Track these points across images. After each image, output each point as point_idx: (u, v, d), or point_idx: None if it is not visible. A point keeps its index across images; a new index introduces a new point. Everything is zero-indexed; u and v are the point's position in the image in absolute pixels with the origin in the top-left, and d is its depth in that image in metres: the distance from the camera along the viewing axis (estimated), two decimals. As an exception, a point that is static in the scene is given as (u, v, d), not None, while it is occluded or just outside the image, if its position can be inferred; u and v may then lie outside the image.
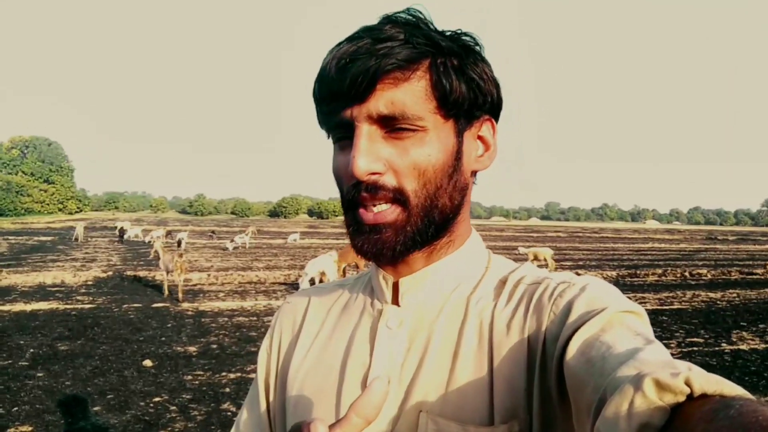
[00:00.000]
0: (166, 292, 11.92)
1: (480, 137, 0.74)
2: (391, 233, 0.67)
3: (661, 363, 0.47)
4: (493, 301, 0.71)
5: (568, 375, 0.56)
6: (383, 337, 0.72)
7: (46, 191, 79.88)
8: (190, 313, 10.07)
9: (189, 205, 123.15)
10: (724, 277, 17.69)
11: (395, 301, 0.74)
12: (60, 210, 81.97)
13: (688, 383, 0.41)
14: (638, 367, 0.47)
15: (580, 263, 20.81)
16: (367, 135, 0.65)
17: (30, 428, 4.75)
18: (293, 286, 13.47)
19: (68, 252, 21.11)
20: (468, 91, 0.68)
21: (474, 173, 0.75)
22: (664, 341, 8.17)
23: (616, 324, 0.58)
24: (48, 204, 79.38)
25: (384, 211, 0.67)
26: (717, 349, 7.92)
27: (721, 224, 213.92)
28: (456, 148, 0.69)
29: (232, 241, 24.44)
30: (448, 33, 0.69)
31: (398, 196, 0.66)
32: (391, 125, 0.66)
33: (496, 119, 0.75)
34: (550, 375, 0.61)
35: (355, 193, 0.67)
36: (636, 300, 12.07)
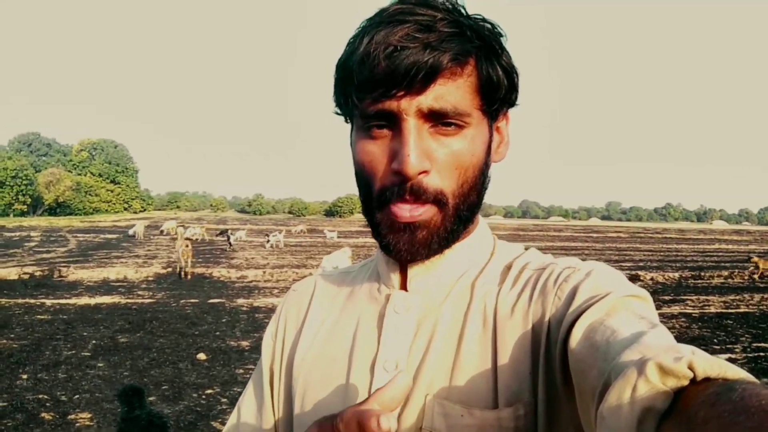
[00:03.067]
0: (183, 274, 14.33)
1: (497, 128, 0.72)
2: (426, 233, 0.65)
3: (664, 347, 0.46)
4: (498, 286, 0.70)
5: (572, 359, 0.56)
6: (391, 322, 0.71)
7: (112, 191, 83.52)
8: (245, 309, 10.29)
9: (248, 204, 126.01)
10: (797, 280, 16.77)
11: (403, 286, 0.74)
12: (125, 209, 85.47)
13: (691, 367, 0.41)
14: (642, 351, 0.47)
15: (641, 264, 20.16)
16: (417, 131, 0.63)
17: (89, 415, 4.95)
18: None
19: (131, 249, 21.92)
20: (508, 85, 0.67)
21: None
22: (729, 346, 7.84)
23: (620, 308, 0.58)
24: (114, 203, 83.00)
25: (421, 210, 0.65)
26: (786, 354, 7.50)
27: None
28: (489, 143, 0.69)
29: (267, 241, 24.58)
30: (478, 18, 0.66)
31: (439, 198, 0.65)
32: (440, 121, 0.63)
33: (509, 110, 0.73)
34: (554, 359, 0.61)
35: (397, 191, 0.64)
36: (700, 303, 11.66)
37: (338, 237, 31.95)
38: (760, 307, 11.36)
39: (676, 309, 10.89)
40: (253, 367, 6.50)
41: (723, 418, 0.36)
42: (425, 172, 0.63)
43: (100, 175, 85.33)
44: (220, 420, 4.93)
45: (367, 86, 0.63)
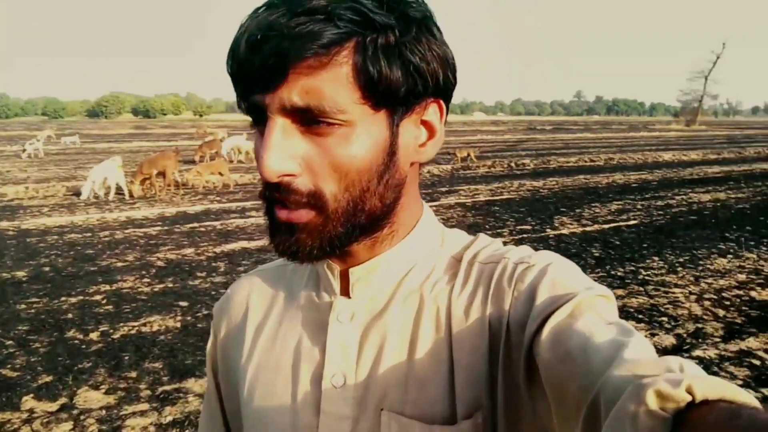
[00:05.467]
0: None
1: (424, 122, 0.64)
2: (306, 236, 0.60)
3: (653, 364, 0.46)
4: (449, 284, 0.68)
5: (544, 368, 0.55)
6: (335, 333, 0.67)
7: None
8: (11, 233, 9.10)
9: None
10: (544, 166, 19.43)
11: (345, 292, 0.69)
12: None
13: (689, 391, 0.40)
14: (632, 370, 0.46)
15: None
16: (280, 129, 0.57)
17: None
18: (118, 197, 12.62)
19: None
20: (404, 76, 0.58)
21: (417, 164, 0.67)
22: (498, 230, 8.93)
23: (586, 310, 0.57)
24: None
25: (298, 211, 0.59)
26: (543, 234, 8.80)
27: (539, 114, 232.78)
28: (389, 142, 0.60)
29: (23, 150, 21.70)
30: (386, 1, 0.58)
31: (314, 201, 0.59)
32: (309, 119, 0.57)
33: (447, 100, 0.64)
34: (516, 364, 0.60)
35: (270, 192, 0.59)
36: (470, 192, 12.98)
37: (105, 142, 29.09)
38: (519, 193, 13.03)
39: (452, 199, 12.02)
40: (36, 300, 5.90)
41: None
42: (291, 175, 0.58)
43: None
44: (9, 366, 4.43)
45: (236, 80, 0.59)
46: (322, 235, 0.60)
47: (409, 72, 0.58)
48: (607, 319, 0.56)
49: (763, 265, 7.04)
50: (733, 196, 12.61)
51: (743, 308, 5.57)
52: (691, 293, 6.00)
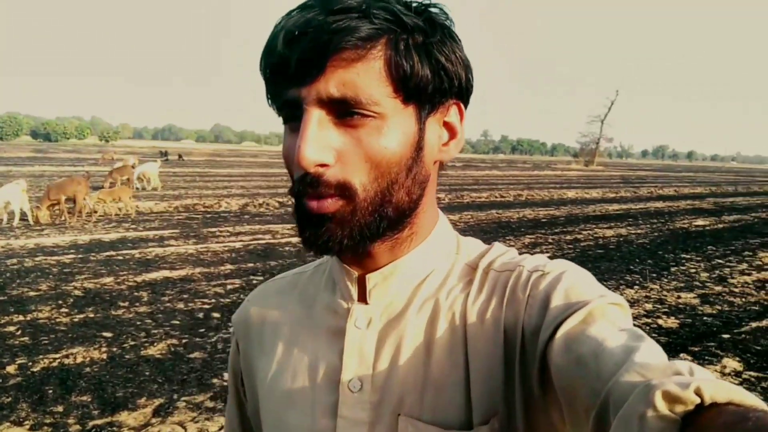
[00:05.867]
0: None
1: (446, 123, 0.67)
2: (336, 225, 0.61)
3: (663, 367, 0.46)
4: (464, 291, 0.69)
5: (557, 373, 0.56)
6: (352, 338, 0.68)
7: None
8: None
9: None
10: (458, 200, 20.06)
11: (362, 297, 0.70)
12: None
13: (698, 392, 0.39)
14: (642, 373, 0.46)
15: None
16: (316, 121, 0.59)
17: None
18: (23, 222, 11.91)
19: None
20: (432, 74, 0.61)
21: (439, 163, 0.70)
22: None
23: (598, 317, 0.57)
24: None
25: (327, 201, 0.60)
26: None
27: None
28: (417, 137, 0.63)
29: None
30: (414, 4, 0.63)
31: (343, 192, 0.60)
32: (344, 110, 0.59)
33: (465, 103, 0.68)
34: (531, 370, 0.60)
35: (301, 183, 0.61)
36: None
37: (3, 165, 27.35)
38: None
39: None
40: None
41: None
42: (325, 165, 0.59)
43: None
44: None
45: (272, 77, 0.62)
46: (351, 224, 0.61)
47: (436, 70, 0.62)
48: (620, 326, 0.56)
49: (666, 295, 7.61)
50: (633, 231, 13.52)
51: (653, 335, 6.00)
52: (604, 321, 6.37)
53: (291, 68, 0.58)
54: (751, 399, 0.40)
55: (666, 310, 6.94)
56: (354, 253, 0.67)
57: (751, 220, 16.91)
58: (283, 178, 27.84)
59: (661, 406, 0.40)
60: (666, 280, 8.52)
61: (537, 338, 0.59)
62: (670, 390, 0.40)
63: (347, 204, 0.61)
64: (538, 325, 0.60)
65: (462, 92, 0.66)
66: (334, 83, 0.58)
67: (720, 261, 10.13)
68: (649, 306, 7.09)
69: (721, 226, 15.28)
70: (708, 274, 8.97)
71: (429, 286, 0.70)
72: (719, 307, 7.09)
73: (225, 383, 4.42)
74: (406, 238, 0.68)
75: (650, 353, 0.50)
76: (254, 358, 0.79)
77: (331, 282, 0.75)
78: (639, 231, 13.64)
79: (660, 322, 6.47)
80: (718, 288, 8.10)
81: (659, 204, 21.23)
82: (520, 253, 0.73)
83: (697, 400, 0.39)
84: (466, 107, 0.68)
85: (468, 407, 0.62)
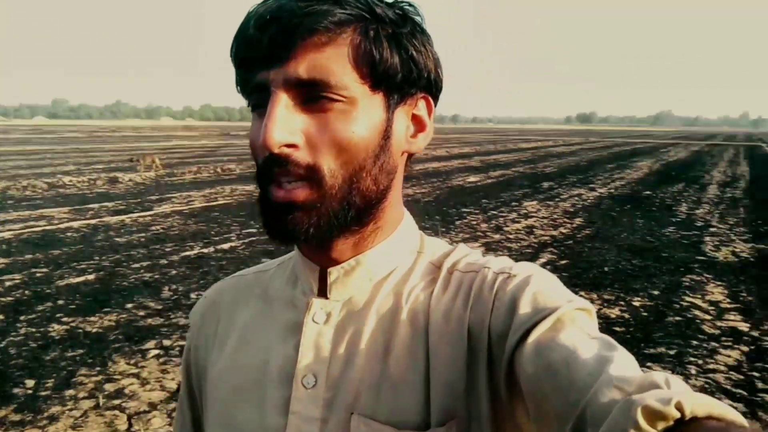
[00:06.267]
0: None
1: (414, 116, 0.68)
2: (303, 214, 0.60)
3: (640, 380, 0.46)
4: (427, 290, 0.68)
5: (526, 379, 0.55)
6: (310, 332, 0.67)
7: None
8: None
9: None
10: (250, 170, 19.71)
11: (322, 292, 0.69)
12: None
13: (679, 407, 0.40)
14: (620, 387, 0.46)
15: (112, 164, 20.04)
16: (283, 104, 0.59)
17: None
18: None
19: None
20: (401, 63, 0.62)
21: (407, 155, 0.70)
22: (225, 235, 8.89)
23: (567, 324, 0.57)
24: None
25: (295, 189, 0.60)
26: (269, 236, 8.98)
27: (228, 120, 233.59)
28: (385, 125, 0.63)
29: None
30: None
31: (311, 175, 0.60)
32: (312, 94, 0.59)
33: (435, 99, 0.69)
34: (498, 374, 0.60)
35: (268, 167, 0.60)
36: (184, 199, 12.60)
37: None
38: (235, 197, 13.09)
39: (166, 207, 11.50)
40: None
41: None
42: (293, 146, 0.59)
43: None
44: None
45: (243, 62, 0.62)
46: (319, 213, 0.61)
47: (405, 60, 0.63)
48: (590, 333, 0.56)
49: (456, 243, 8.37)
50: (418, 191, 14.52)
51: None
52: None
53: (261, 51, 0.59)
54: (731, 413, 0.40)
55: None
56: (319, 245, 0.67)
57: (512, 175, 19.16)
58: (47, 155, 24.92)
59: (643, 423, 0.40)
60: (454, 233, 9.38)
61: (504, 342, 0.59)
62: (652, 405, 0.40)
63: (315, 191, 0.60)
64: (506, 329, 0.60)
65: (431, 86, 0.68)
66: (303, 66, 0.58)
67: (494, 212, 11.36)
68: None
69: (489, 181, 17.05)
70: (487, 225, 10.05)
71: (391, 282, 0.69)
72: (501, 253, 8.01)
73: (12, 392, 3.98)
74: (371, 233, 0.68)
75: (625, 364, 0.50)
76: (207, 354, 0.77)
77: (293, 277, 0.74)
78: (423, 190, 14.71)
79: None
80: (497, 236, 9.14)
81: (435, 164, 22.97)
82: (483, 254, 0.73)
83: (677, 415, 0.40)
84: (435, 103, 0.69)
85: (426, 408, 0.61)
